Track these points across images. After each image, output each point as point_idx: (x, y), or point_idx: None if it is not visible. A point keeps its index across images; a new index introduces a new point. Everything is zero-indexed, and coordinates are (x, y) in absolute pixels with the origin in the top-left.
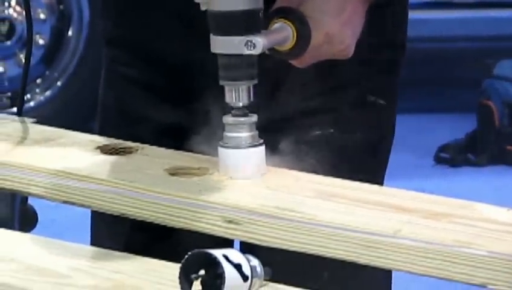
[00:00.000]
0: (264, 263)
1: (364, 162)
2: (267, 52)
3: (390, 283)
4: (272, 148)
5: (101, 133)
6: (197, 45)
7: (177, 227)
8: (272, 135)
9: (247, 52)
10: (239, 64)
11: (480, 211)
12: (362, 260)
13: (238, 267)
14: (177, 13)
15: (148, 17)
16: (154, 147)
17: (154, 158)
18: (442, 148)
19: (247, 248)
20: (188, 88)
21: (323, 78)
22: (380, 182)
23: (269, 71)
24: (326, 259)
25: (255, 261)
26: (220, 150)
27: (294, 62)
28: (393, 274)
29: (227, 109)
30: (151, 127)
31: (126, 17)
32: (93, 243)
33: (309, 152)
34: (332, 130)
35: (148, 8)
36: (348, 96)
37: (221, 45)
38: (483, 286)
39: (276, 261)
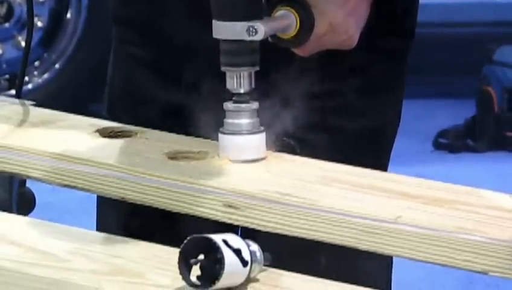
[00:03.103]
0: (263, 249)
1: (368, 148)
2: (270, 39)
3: (391, 269)
4: (276, 134)
5: (108, 113)
6: (205, 26)
7: (176, 211)
8: (275, 121)
9: (248, 38)
10: (240, 50)
11: (483, 197)
12: (363, 245)
13: (237, 252)
14: None
15: None
16: (154, 131)
17: (154, 142)
18: (441, 134)
19: (247, 233)
20: (196, 69)
21: (330, 64)
22: (383, 169)
23: (274, 56)
24: (326, 245)
25: (254, 247)
26: (221, 136)
27: (297, 50)
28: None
29: (228, 95)
30: (158, 107)
31: None
32: (98, 225)
33: (313, 137)
34: (336, 116)
35: None
36: (354, 82)
37: (223, 30)
38: (484, 272)
39: (276, 246)
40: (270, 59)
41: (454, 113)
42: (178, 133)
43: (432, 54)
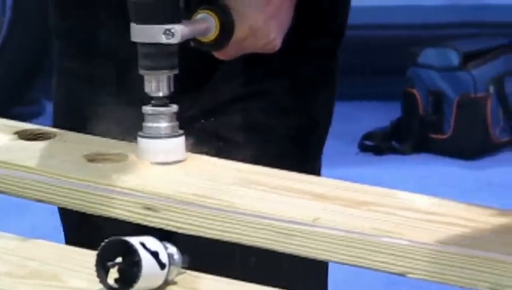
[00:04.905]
0: (190, 251)
1: (298, 148)
2: (192, 43)
3: (326, 272)
4: (203, 136)
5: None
6: None
7: (95, 214)
8: (203, 123)
9: (165, 41)
10: (158, 54)
11: (401, 199)
12: (281, 248)
13: (155, 254)
14: (118, 5)
15: (90, 9)
16: (73, 133)
17: (73, 144)
18: (367, 136)
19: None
20: (136, 81)
21: (258, 65)
22: (314, 170)
23: (200, 57)
24: (251, 247)
25: (172, 249)
26: (139, 139)
27: (218, 54)
28: None
29: (147, 99)
30: (102, 122)
31: (70, 11)
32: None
33: (241, 138)
34: (265, 116)
35: (90, 2)
36: (282, 82)
37: (140, 33)
38: (403, 274)
39: (204, 248)
40: (196, 60)
41: (380, 116)
42: None
43: (358, 56)
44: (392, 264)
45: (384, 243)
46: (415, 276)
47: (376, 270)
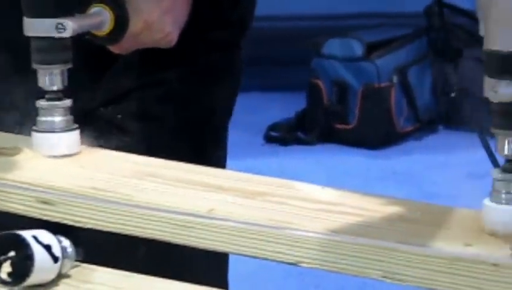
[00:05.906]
0: (88, 243)
1: (191, 139)
2: (87, 37)
3: (225, 262)
4: (99, 126)
5: None
6: None
7: None
8: (100, 112)
9: (57, 35)
10: (51, 48)
11: (298, 189)
12: (179, 240)
13: (48, 248)
14: None
15: None
16: None
17: None
18: (273, 127)
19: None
20: (33, 72)
21: (156, 55)
22: (212, 160)
23: (99, 51)
24: (145, 239)
25: (66, 242)
26: (34, 134)
27: (113, 48)
28: None
29: (41, 93)
30: (2, 113)
31: None
32: None
33: (136, 128)
34: (160, 106)
35: None
36: (180, 72)
37: (32, 27)
38: (296, 264)
39: (103, 241)
40: (94, 54)
41: (285, 107)
42: None
43: (261, 48)
44: (287, 254)
45: (278, 234)
46: (308, 265)
47: (272, 260)
